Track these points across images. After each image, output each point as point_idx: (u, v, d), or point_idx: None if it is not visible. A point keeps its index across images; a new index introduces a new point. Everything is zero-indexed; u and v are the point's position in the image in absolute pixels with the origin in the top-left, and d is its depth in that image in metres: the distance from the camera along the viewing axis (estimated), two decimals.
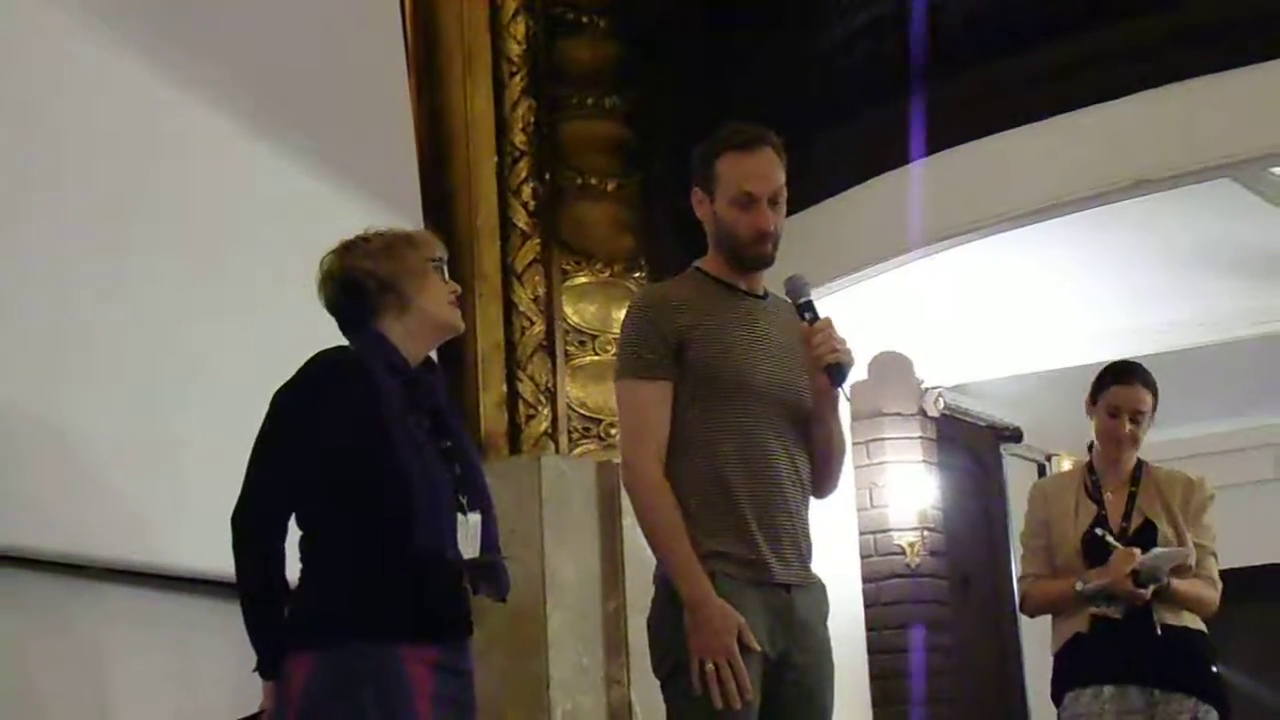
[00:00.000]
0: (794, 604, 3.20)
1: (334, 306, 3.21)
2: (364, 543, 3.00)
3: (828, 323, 3.21)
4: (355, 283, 3.16)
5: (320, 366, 3.09)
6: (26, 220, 4.20)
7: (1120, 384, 4.38)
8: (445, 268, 3.27)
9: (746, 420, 3.21)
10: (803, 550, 3.26)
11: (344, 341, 3.20)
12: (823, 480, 3.37)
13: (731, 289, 3.32)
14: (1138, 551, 4.22)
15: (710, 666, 3.04)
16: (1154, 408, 4.40)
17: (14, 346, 4.09)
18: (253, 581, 3.01)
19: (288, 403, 3.08)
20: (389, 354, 3.13)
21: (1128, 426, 4.37)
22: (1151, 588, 4.19)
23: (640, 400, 3.24)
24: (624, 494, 5.35)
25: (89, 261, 4.33)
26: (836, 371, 3.19)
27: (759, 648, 3.11)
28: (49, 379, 4.17)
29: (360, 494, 3.01)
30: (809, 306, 3.24)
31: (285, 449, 3.04)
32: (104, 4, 4.55)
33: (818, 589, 3.29)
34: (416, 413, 3.11)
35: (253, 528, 3.02)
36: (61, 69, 4.38)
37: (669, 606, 3.17)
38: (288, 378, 3.11)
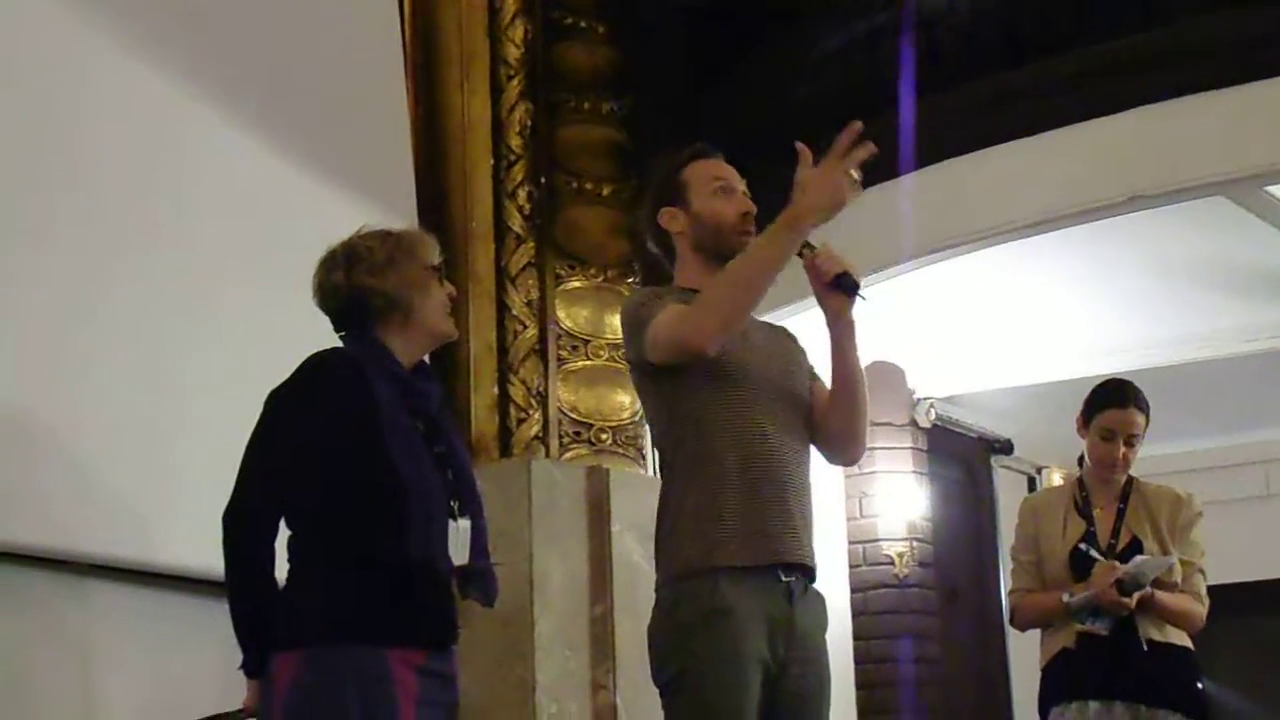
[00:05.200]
0: (794, 612, 3.18)
1: (334, 315, 3.22)
2: (354, 544, 3.00)
3: (826, 244, 3.23)
4: (361, 301, 3.16)
5: (317, 367, 3.09)
6: (22, 222, 4.20)
7: (1115, 407, 4.34)
8: (443, 270, 3.28)
9: (745, 411, 3.19)
10: (804, 533, 3.23)
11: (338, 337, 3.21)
12: (850, 430, 3.32)
13: None
14: (1117, 563, 4.23)
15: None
16: (1146, 427, 4.39)
17: (6, 346, 4.09)
18: (241, 579, 3.01)
19: (283, 402, 3.08)
20: (386, 359, 3.13)
21: (1122, 450, 4.35)
22: (1136, 596, 4.19)
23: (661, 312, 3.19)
24: (613, 499, 5.45)
25: (84, 260, 4.33)
26: (846, 280, 3.19)
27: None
28: (41, 377, 4.17)
29: (352, 496, 3.01)
30: (806, 243, 3.24)
31: (279, 448, 3.04)
32: (103, 9, 4.56)
33: (817, 599, 3.28)
34: (411, 417, 3.11)
35: (243, 525, 3.01)
36: (63, 74, 4.39)
37: (668, 616, 3.17)
38: (283, 377, 3.10)
